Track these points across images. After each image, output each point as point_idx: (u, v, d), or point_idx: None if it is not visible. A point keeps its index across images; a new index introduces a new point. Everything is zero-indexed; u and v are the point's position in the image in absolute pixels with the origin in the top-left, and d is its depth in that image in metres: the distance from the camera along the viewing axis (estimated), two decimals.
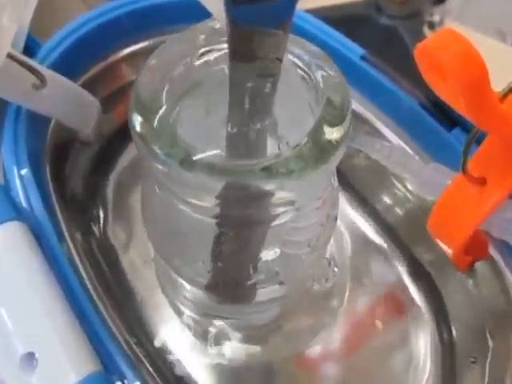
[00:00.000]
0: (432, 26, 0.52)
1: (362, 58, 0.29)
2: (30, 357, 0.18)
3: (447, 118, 0.27)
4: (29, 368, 0.18)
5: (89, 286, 0.22)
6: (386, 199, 0.32)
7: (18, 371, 0.17)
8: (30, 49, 0.27)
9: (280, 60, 0.17)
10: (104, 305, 0.22)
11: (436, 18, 0.53)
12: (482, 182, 0.22)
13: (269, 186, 0.17)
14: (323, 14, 0.31)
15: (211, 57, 0.19)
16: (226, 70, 0.18)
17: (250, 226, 0.20)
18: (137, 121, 0.17)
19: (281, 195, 0.17)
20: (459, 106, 0.17)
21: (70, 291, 0.21)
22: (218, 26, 0.19)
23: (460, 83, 0.15)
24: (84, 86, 0.28)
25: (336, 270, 0.30)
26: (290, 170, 0.17)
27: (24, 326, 0.18)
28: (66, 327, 0.18)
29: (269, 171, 0.17)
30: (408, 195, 0.31)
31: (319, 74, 0.18)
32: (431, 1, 0.53)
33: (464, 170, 0.21)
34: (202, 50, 0.19)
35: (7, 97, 0.24)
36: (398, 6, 0.50)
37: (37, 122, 0.26)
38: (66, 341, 0.18)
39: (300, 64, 0.19)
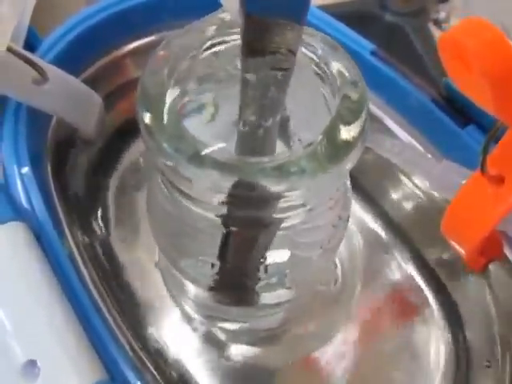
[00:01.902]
0: (438, 23, 0.52)
1: (372, 53, 0.28)
2: (32, 365, 0.17)
3: (461, 114, 0.26)
4: (30, 377, 0.17)
5: (92, 289, 0.21)
6: (396, 198, 0.31)
7: (20, 380, 0.17)
8: (30, 44, 0.26)
9: (294, 53, 0.16)
10: (108, 308, 0.22)
11: (442, 14, 0.52)
12: (500, 180, 0.21)
13: (280, 186, 0.16)
14: (327, 10, 0.30)
15: (221, 49, 0.18)
16: (237, 64, 0.18)
17: (259, 226, 0.19)
18: (144, 114, 0.16)
19: (292, 196, 0.17)
20: (483, 100, 0.16)
21: (73, 295, 0.20)
22: (228, 18, 0.18)
23: (488, 74, 0.14)
24: (86, 82, 0.27)
25: (345, 271, 0.29)
26: (302, 169, 0.16)
27: (25, 332, 0.17)
28: (68, 333, 0.18)
29: (280, 170, 0.16)
30: (418, 194, 0.30)
31: (335, 68, 0.17)
32: None
33: (483, 169, 0.20)
34: (212, 42, 0.18)
35: (7, 92, 0.23)
36: (402, 3, 0.50)
37: (38, 119, 0.25)
38: (69, 347, 0.17)
39: (314, 57, 0.18)
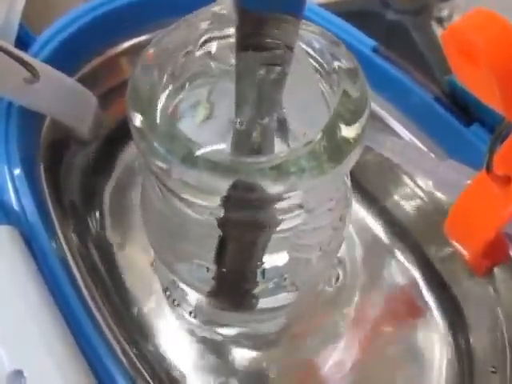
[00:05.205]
0: (440, 21, 0.51)
1: (374, 50, 0.27)
2: (18, 375, 0.16)
3: (465, 113, 0.25)
4: None
5: (85, 294, 0.21)
6: (397, 198, 0.30)
7: None
8: (23, 42, 0.26)
9: (291, 48, 0.16)
10: (101, 314, 0.21)
11: (444, 12, 0.51)
12: (506, 181, 0.20)
13: (279, 187, 0.15)
14: (329, 8, 0.30)
15: (215, 45, 0.18)
16: (232, 60, 0.17)
17: (256, 229, 0.19)
18: (135, 115, 0.16)
19: (291, 197, 0.16)
20: (489, 97, 0.15)
21: (65, 301, 0.19)
22: (223, 11, 0.17)
23: (495, 69, 0.13)
24: (81, 81, 0.27)
25: (346, 272, 0.29)
26: (301, 168, 0.15)
27: (11, 341, 0.17)
28: (58, 342, 0.17)
29: (279, 170, 0.15)
30: (421, 194, 0.29)
31: (334, 63, 0.17)
32: None
33: (489, 169, 0.19)
34: (205, 37, 0.18)
35: None
36: (405, 1, 0.49)
37: (30, 119, 0.25)
38: (57, 357, 0.16)
39: (312, 52, 0.17)
